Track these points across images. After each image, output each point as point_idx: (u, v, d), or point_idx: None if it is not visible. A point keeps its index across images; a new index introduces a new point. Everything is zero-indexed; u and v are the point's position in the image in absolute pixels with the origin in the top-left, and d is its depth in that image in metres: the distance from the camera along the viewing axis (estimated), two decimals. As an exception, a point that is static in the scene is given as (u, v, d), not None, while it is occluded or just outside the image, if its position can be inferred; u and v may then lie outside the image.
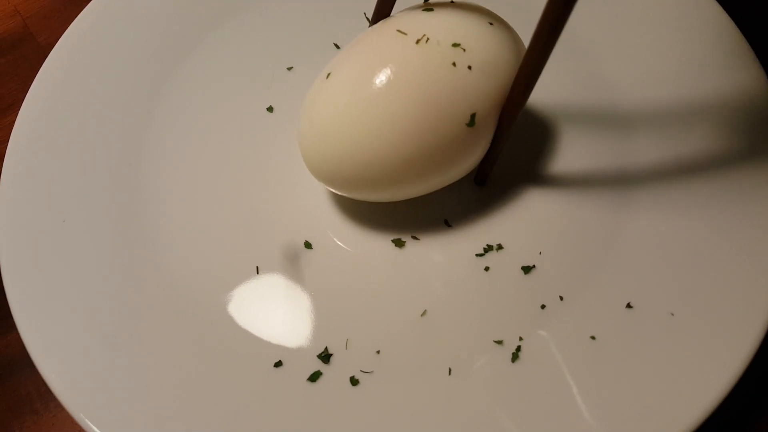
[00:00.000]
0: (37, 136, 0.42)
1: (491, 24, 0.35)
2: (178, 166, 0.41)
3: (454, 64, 0.33)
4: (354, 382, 0.34)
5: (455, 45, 0.33)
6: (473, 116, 0.34)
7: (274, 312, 0.37)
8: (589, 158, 0.41)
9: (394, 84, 0.33)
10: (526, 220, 0.39)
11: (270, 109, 0.43)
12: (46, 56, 0.44)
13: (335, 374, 0.35)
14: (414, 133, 0.33)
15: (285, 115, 0.43)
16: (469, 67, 0.33)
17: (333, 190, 0.38)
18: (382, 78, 0.33)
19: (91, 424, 0.32)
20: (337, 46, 0.45)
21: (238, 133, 0.42)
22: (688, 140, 0.40)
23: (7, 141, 0.41)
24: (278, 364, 0.35)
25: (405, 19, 0.35)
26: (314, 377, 0.34)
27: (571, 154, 0.41)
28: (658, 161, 0.40)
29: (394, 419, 0.33)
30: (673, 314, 0.35)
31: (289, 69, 0.45)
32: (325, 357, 0.35)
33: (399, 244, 0.39)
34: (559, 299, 0.36)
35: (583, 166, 0.41)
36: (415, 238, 0.39)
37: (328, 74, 0.35)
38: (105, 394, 0.33)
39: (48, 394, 0.38)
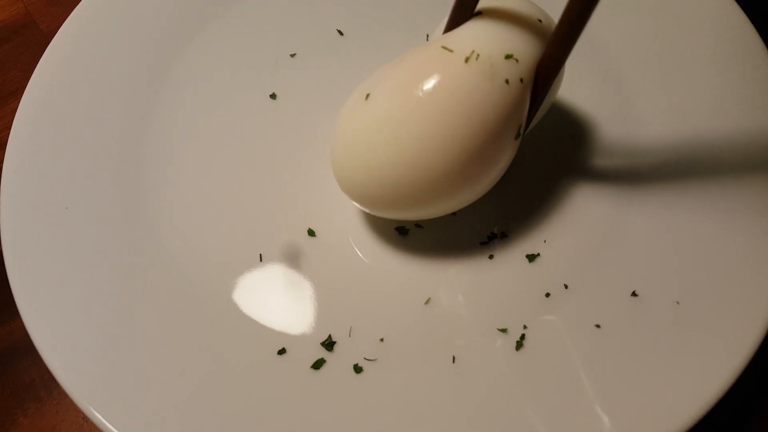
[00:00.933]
0: (39, 123, 0.41)
1: (540, 21, 0.32)
2: (180, 153, 0.41)
3: (507, 81, 0.31)
4: (357, 369, 0.34)
5: (508, 57, 0.31)
6: (520, 127, 0.33)
7: (277, 299, 0.37)
8: (595, 147, 0.40)
9: (440, 107, 0.31)
10: (530, 208, 0.39)
11: (273, 96, 0.43)
12: (48, 43, 0.44)
13: (339, 362, 0.34)
14: (461, 155, 0.31)
15: (288, 103, 0.43)
16: (521, 80, 0.31)
17: (366, 210, 0.36)
18: (427, 101, 0.31)
19: (94, 411, 0.32)
20: (341, 33, 0.45)
21: (241, 121, 0.42)
22: (695, 130, 0.40)
23: (10, 128, 0.41)
24: (282, 351, 0.35)
25: (452, 32, 0.33)
26: (318, 365, 0.34)
27: (575, 143, 0.41)
28: (664, 151, 0.40)
29: (397, 407, 0.33)
30: (678, 303, 0.35)
31: (293, 56, 0.44)
32: (329, 345, 0.35)
33: (403, 231, 0.38)
34: (563, 287, 0.36)
35: (589, 154, 0.40)
36: (418, 226, 0.39)
37: (367, 95, 0.33)
38: (108, 381, 0.33)
39: (51, 382, 0.38)
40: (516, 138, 0.33)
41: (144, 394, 0.33)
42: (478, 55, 0.31)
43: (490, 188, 0.35)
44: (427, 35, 0.38)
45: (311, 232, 0.38)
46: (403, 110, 0.31)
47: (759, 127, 0.39)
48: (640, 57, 0.43)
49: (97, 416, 0.32)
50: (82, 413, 0.36)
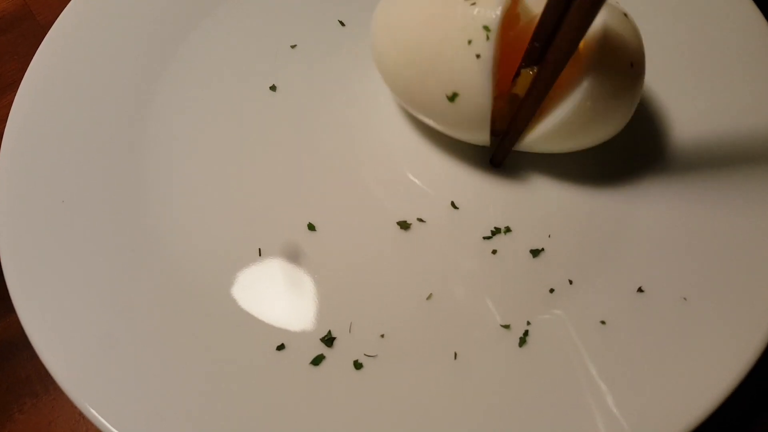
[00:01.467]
0: (35, 115, 0.41)
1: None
2: (179, 146, 0.41)
3: None
4: (357, 366, 0.34)
5: None
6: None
7: (277, 295, 0.36)
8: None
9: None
10: (534, 202, 0.38)
11: (273, 87, 0.42)
12: (45, 35, 0.43)
13: (338, 358, 0.34)
14: None
15: (288, 94, 0.42)
16: None
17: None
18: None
19: (90, 408, 0.32)
20: (342, 23, 0.44)
21: (241, 113, 0.42)
22: (703, 127, 0.39)
23: (6, 120, 0.40)
24: (281, 347, 0.34)
25: None
26: (317, 361, 0.34)
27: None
28: (670, 147, 0.39)
29: (398, 404, 0.33)
30: (685, 299, 0.34)
31: (293, 47, 0.44)
32: (329, 340, 0.34)
33: (404, 226, 0.38)
34: (568, 283, 0.36)
35: (594, 149, 0.39)
36: (420, 220, 0.38)
37: None
38: (104, 377, 0.33)
39: (47, 377, 0.37)
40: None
41: (140, 390, 0.33)
42: None
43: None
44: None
45: (311, 227, 0.38)
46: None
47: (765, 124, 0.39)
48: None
49: (92, 412, 0.32)
50: (78, 410, 0.36)
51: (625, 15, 0.34)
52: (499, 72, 0.34)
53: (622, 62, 0.34)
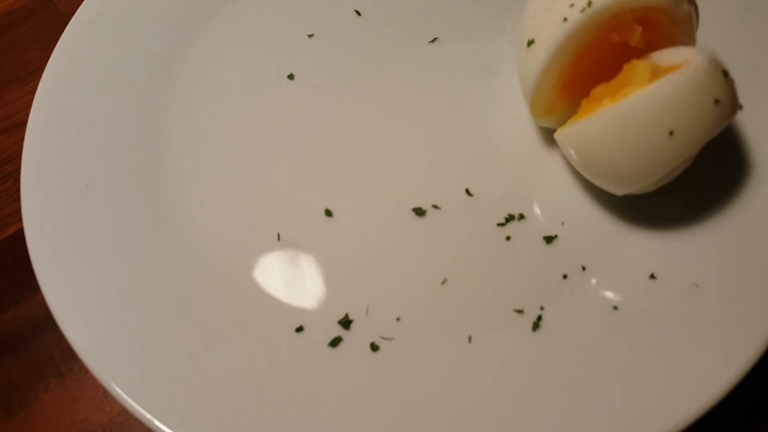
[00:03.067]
0: (58, 102, 0.41)
1: None
2: (199, 132, 0.41)
3: None
4: (374, 348, 0.34)
5: None
6: None
7: (295, 278, 0.37)
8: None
9: None
10: (548, 189, 0.39)
11: (291, 76, 0.43)
12: (67, 23, 0.44)
13: (355, 340, 0.35)
14: None
15: (306, 83, 0.43)
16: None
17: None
18: None
19: (115, 386, 0.33)
20: (358, 13, 0.45)
21: (259, 101, 0.42)
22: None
23: (30, 107, 0.41)
24: (299, 329, 0.35)
25: None
26: (335, 342, 0.35)
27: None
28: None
29: (414, 386, 0.33)
30: (697, 285, 0.35)
31: (310, 36, 0.44)
32: (346, 323, 0.35)
33: (419, 212, 0.38)
34: (581, 269, 0.36)
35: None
36: (435, 207, 0.38)
37: None
38: (128, 356, 0.34)
39: (72, 357, 0.38)
40: None
41: (163, 369, 0.33)
42: None
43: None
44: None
45: (328, 213, 0.39)
46: None
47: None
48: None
49: (117, 390, 0.33)
50: (102, 388, 0.37)
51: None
52: (578, 61, 0.35)
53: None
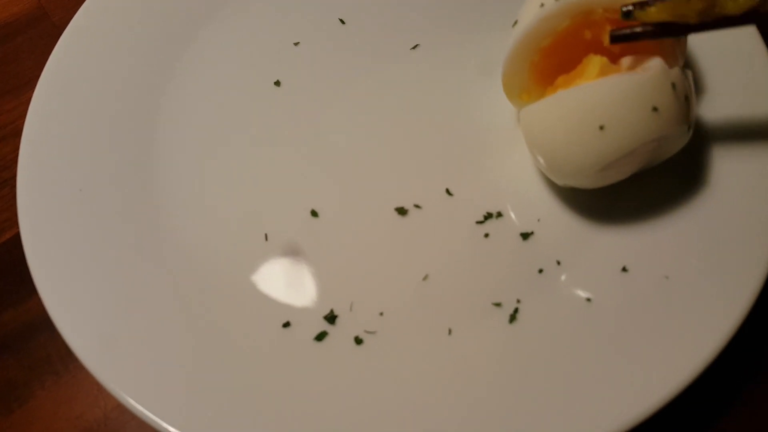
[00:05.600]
0: (52, 111, 0.43)
1: None
2: (189, 138, 0.43)
3: None
4: (358, 341, 0.36)
5: None
6: None
7: (282, 276, 0.38)
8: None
9: None
10: (524, 188, 0.40)
11: (277, 83, 0.45)
12: (60, 35, 0.45)
13: (340, 334, 0.36)
14: None
15: (292, 89, 0.44)
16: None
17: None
18: None
19: (110, 384, 0.34)
20: (342, 21, 0.46)
21: (247, 107, 0.44)
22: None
23: (25, 117, 0.42)
24: (286, 324, 0.36)
25: None
26: (320, 337, 0.36)
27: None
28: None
29: (396, 377, 0.35)
30: (667, 277, 0.36)
31: (296, 44, 0.46)
32: (331, 318, 0.37)
33: (401, 212, 0.40)
34: (556, 264, 0.38)
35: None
36: (417, 206, 0.40)
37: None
38: (122, 353, 0.35)
39: (68, 356, 0.39)
40: None
41: (155, 364, 0.35)
42: None
43: None
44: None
45: (314, 213, 0.40)
46: None
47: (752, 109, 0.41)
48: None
49: (113, 387, 0.34)
50: (97, 384, 0.38)
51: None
52: (551, 48, 0.37)
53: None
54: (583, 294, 0.36)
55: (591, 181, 0.37)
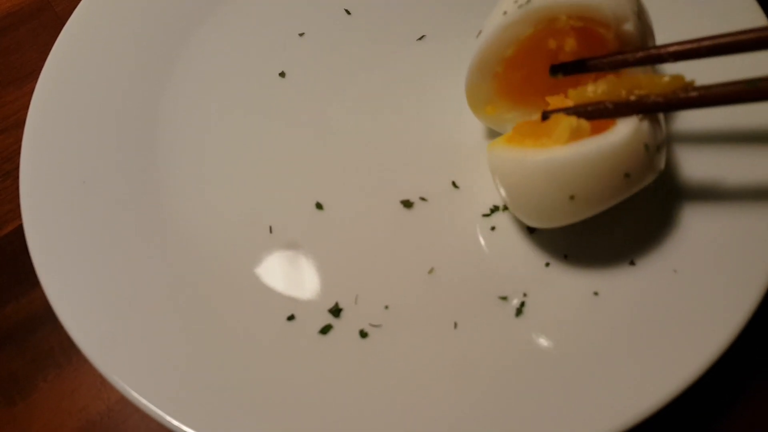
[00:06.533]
0: (55, 102, 0.43)
1: None
2: (193, 129, 0.43)
3: None
4: (363, 335, 0.36)
5: None
6: None
7: (286, 269, 0.38)
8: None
9: None
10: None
11: (282, 74, 0.44)
12: (63, 25, 0.45)
13: (345, 327, 0.36)
14: None
15: (297, 80, 0.44)
16: None
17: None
18: None
19: (113, 376, 0.34)
20: (348, 12, 0.46)
21: (251, 98, 0.44)
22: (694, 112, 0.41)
23: (27, 108, 0.42)
24: (291, 317, 0.36)
25: None
26: (325, 330, 0.36)
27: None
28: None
29: (401, 370, 0.34)
30: (676, 271, 0.36)
31: (301, 35, 0.46)
32: (336, 311, 0.36)
33: (407, 204, 0.39)
34: (563, 257, 0.37)
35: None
36: (423, 199, 0.40)
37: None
38: (126, 346, 0.35)
39: (71, 348, 0.39)
40: None
41: (159, 358, 0.35)
42: None
43: None
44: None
45: (319, 206, 0.40)
46: None
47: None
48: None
49: (116, 379, 0.34)
50: (100, 377, 0.38)
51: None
52: (515, 58, 0.36)
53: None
54: (590, 287, 0.36)
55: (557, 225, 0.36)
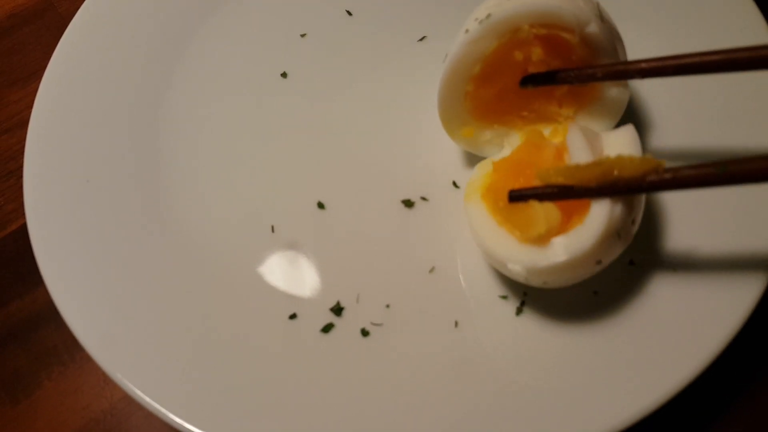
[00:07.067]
0: (59, 102, 0.43)
1: None
2: (196, 129, 0.43)
3: None
4: (365, 333, 0.36)
5: None
6: None
7: (288, 268, 0.38)
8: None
9: None
10: (532, 181, 0.40)
11: (284, 74, 0.44)
12: (67, 25, 0.45)
13: (347, 326, 0.36)
14: None
15: (299, 81, 0.44)
16: None
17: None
18: None
19: (117, 374, 0.34)
20: (349, 13, 0.46)
21: (253, 98, 0.44)
22: (696, 94, 0.41)
23: (31, 107, 0.42)
24: (293, 316, 0.36)
25: None
26: (327, 329, 0.36)
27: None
28: (663, 120, 0.41)
29: (402, 369, 0.35)
30: (675, 270, 0.36)
31: (303, 36, 0.46)
32: (337, 310, 0.37)
33: (408, 204, 0.40)
34: (563, 257, 0.37)
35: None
36: (424, 198, 0.40)
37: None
38: (130, 344, 0.35)
39: (74, 346, 0.39)
40: None
41: (162, 356, 0.35)
42: None
43: None
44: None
45: (320, 205, 0.40)
46: None
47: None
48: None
49: (119, 377, 0.34)
50: (104, 375, 0.38)
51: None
52: (483, 75, 0.36)
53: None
54: (589, 287, 0.36)
55: None
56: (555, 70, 0.35)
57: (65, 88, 0.43)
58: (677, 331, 0.34)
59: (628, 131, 0.34)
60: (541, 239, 0.32)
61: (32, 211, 0.39)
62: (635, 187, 0.32)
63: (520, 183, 0.34)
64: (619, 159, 0.31)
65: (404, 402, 0.34)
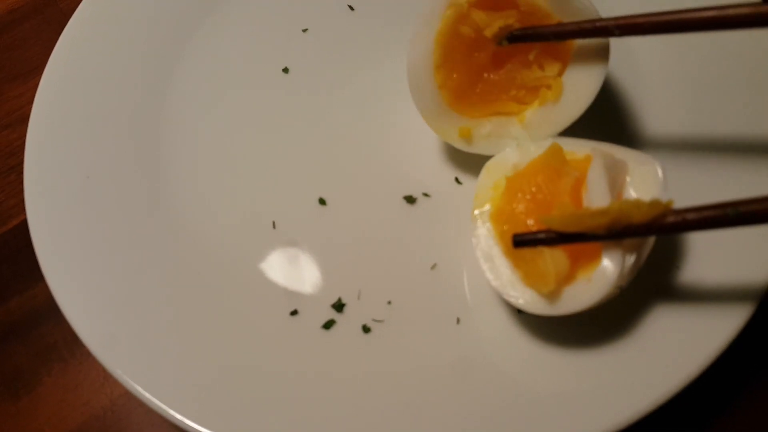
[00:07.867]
0: (60, 97, 0.43)
1: None
2: (197, 125, 0.43)
3: None
4: (366, 330, 0.36)
5: None
6: None
7: (289, 264, 0.38)
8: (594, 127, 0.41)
9: None
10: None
11: (286, 70, 0.44)
12: (68, 21, 0.45)
13: (348, 322, 0.36)
14: None
15: (300, 76, 0.44)
16: None
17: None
18: None
19: (117, 371, 0.34)
20: (351, 8, 0.46)
21: (255, 93, 0.44)
22: (697, 100, 0.41)
23: (32, 102, 0.42)
24: (294, 312, 0.36)
25: None
26: (328, 325, 0.36)
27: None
28: (658, 127, 0.41)
29: (403, 365, 0.35)
30: (677, 269, 0.36)
31: (305, 31, 0.46)
32: (339, 306, 0.36)
33: (410, 200, 0.40)
34: (566, 253, 0.37)
35: (588, 126, 0.41)
36: (426, 194, 0.40)
37: None
38: (130, 340, 0.35)
39: (75, 343, 0.39)
40: None
41: (162, 352, 0.35)
42: None
43: None
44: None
45: (322, 201, 0.40)
46: None
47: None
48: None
49: (120, 374, 0.34)
50: (104, 372, 0.38)
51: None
52: (446, 60, 0.36)
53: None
54: (593, 284, 0.36)
55: None
56: (525, 26, 0.35)
57: (66, 84, 0.43)
58: (677, 331, 0.34)
59: (652, 168, 0.34)
60: (549, 293, 0.32)
61: (33, 207, 0.39)
62: (644, 231, 0.31)
63: (531, 210, 0.34)
64: (627, 207, 0.30)
65: (405, 398, 0.34)
